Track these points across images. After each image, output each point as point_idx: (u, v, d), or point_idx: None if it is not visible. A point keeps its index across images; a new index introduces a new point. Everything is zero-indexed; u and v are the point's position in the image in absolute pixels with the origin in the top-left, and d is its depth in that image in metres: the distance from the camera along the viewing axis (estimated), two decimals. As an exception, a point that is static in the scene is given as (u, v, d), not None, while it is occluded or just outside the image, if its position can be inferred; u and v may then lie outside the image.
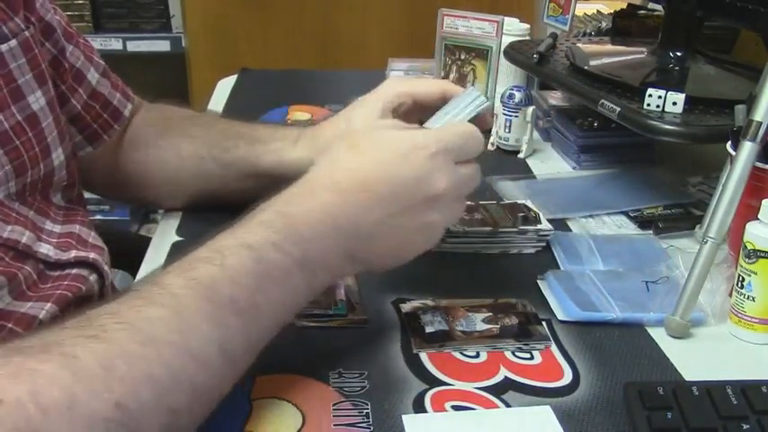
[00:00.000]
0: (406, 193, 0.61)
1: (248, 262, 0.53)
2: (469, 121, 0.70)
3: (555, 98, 1.17)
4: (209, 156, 0.84)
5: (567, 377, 0.62)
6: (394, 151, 0.61)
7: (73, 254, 0.74)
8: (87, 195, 0.86)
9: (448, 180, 0.61)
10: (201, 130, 0.87)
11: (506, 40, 1.12)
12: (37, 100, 0.71)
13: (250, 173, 0.82)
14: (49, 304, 0.68)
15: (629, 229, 0.88)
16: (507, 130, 1.07)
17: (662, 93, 0.86)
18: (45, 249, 0.71)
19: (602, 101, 0.91)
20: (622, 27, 1.29)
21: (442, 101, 0.72)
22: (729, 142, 0.74)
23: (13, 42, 0.69)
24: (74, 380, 0.43)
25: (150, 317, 0.48)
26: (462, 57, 1.06)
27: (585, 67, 1.01)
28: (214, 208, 0.87)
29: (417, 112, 0.75)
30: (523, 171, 1.03)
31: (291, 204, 0.59)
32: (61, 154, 0.75)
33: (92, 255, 0.76)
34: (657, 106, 0.87)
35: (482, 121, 0.72)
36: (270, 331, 0.55)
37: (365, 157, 0.62)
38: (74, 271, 0.73)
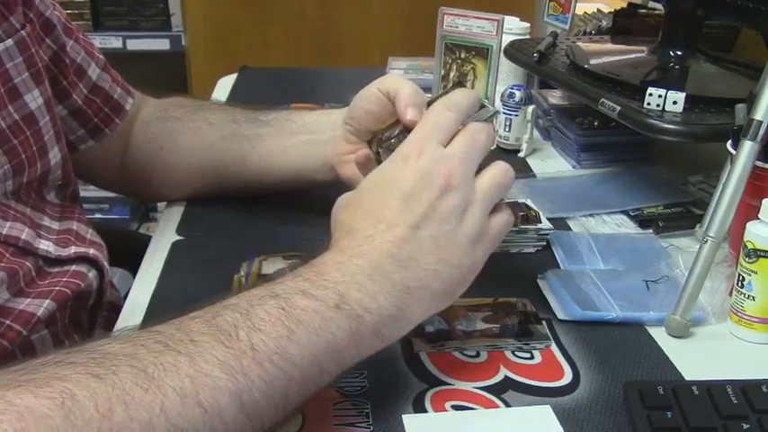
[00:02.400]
0: (416, 198, 0.56)
1: (274, 309, 0.50)
2: None
3: (555, 97, 1.17)
4: (221, 143, 0.84)
5: (567, 377, 0.62)
6: (388, 171, 0.58)
7: (72, 250, 0.74)
8: (86, 194, 0.87)
9: (450, 166, 0.57)
10: (214, 119, 0.87)
11: (506, 39, 1.12)
12: (34, 99, 0.72)
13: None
14: (47, 301, 0.68)
15: (630, 228, 0.88)
16: (507, 129, 1.07)
17: (662, 92, 0.86)
18: (45, 246, 0.71)
19: (603, 100, 0.91)
20: (623, 26, 1.29)
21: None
22: (730, 141, 0.73)
23: (9, 42, 0.69)
24: (64, 423, 0.40)
25: (165, 362, 0.45)
26: (462, 55, 1.06)
27: (586, 66, 1.01)
28: (214, 207, 0.87)
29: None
30: (523, 170, 1.03)
31: (323, 260, 0.55)
32: (58, 153, 0.75)
33: (91, 250, 0.76)
34: (658, 105, 0.87)
35: None
36: (306, 384, 0.50)
37: (363, 198, 0.58)
38: (73, 267, 0.74)
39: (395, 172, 0.57)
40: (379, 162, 0.66)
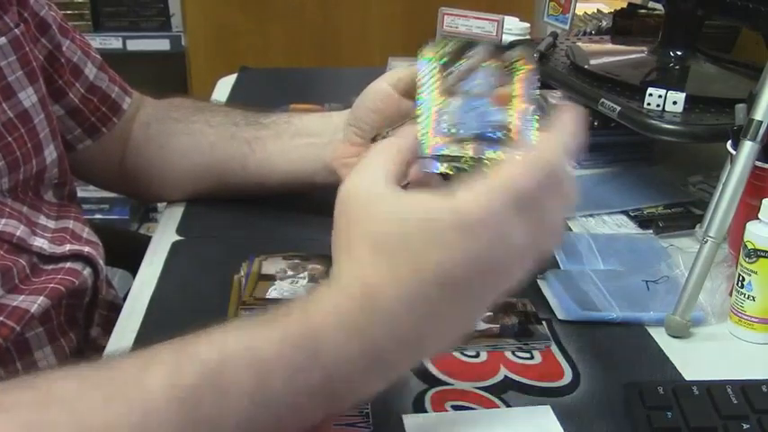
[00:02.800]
0: (452, 282, 0.45)
1: (248, 383, 0.43)
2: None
3: (555, 97, 1.17)
4: (221, 145, 0.84)
5: (567, 377, 0.62)
6: (420, 238, 0.45)
7: (67, 247, 0.74)
8: (87, 194, 0.87)
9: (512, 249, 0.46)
10: (214, 121, 0.87)
11: (506, 40, 1.12)
12: (28, 97, 0.72)
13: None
14: (41, 298, 0.69)
15: (630, 228, 0.88)
16: (507, 129, 1.07)
17: (662, 92, 0.86)
18: (40, 243, 0.71)
19: (603, 100, 0.91)
20: (623, 26, 1.29)
21: None
22: (729, 141, 0.73)
23: (3, 40, 0.70)
24: None
25: (112, 418, 0.40)
26: (462, 56, 1.06)
27: (586, 66, 1.01)
28: (214, 208, 0.87)
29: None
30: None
31: (319, 325, 0.45)
32: (53, 151, 0.76)
33: (86, 248, 0.76)
34: (658, 105, 0.87)
35: None
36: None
37: (394, 258, 0.45)
38: (67, 265, 0.74)
39: (427, 219, 0.45)
40: None
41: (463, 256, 0.44)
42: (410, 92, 0.72)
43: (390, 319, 0.45)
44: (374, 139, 0.68)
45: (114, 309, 0.72)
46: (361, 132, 0.76)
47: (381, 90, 0.74)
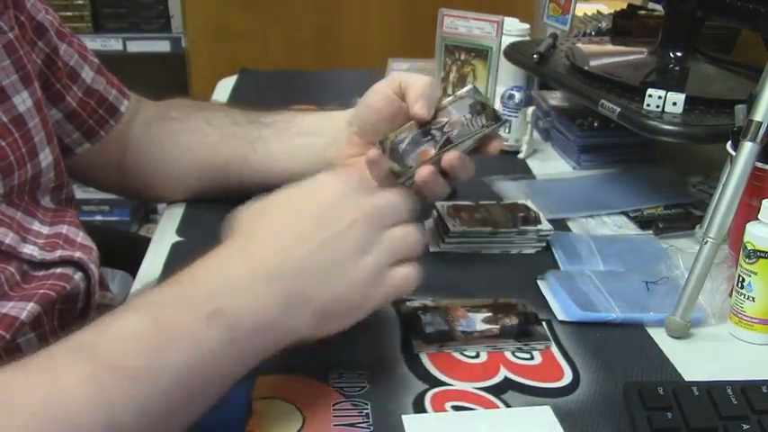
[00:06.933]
0: (326, 220, 0.55)
1: (143, 322, 0.48)
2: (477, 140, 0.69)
3: (555, 98, 1.17)
4: (222, 144, 0.84)
5: (567, 377, 0.62)
6: (309, 186, 0.58)
7: (58, 253, 0.74)
8: (86, 196, 0.87)
9: (368, 206, 0.56)
10: (215, 120, 0.87)
11: (506, 41, 1.12)
12: (23, 101, 0.72)
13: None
14: (31, 304, 0.68)
15: (630, 229, 0.88)
16: (507, 131, 1.07)
17: (662, 93, 0.86)
18: (30, 250, 0.71)
19: (602, 101, 0.91)
20: (622, 27, 1.29)
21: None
22: (729, 142, 0.73)
23: None
24: None
25: (18, 383, 0.44)
26: (462, 57, 1.07)
27: (585, 67, 1.01)
28: (214, 208, 0.87)
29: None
30: (523, 171, 1.03)
31: (203, 260, 0.54)
32: (49, 155, 0.75)
33: (77, 254, 0.75)
34: (657, 106, 0.87)
35: (488, 145, 0.71)
36: (181, 396, 0.48)
37: (275, 205, 0.58)
38: (58, 270, 0.73)
39: (316, 188, 0.57)
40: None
41: (306, 215, 0.55)
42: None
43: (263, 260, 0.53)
44: (381, 143, 0.69)
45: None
46: (362, 133, 0.76)
47: (383, 92, 0.74)
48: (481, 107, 0.70)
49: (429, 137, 0.69)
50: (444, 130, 0.69)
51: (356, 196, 0.56)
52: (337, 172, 0.60)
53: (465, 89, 0.71)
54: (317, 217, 0.55)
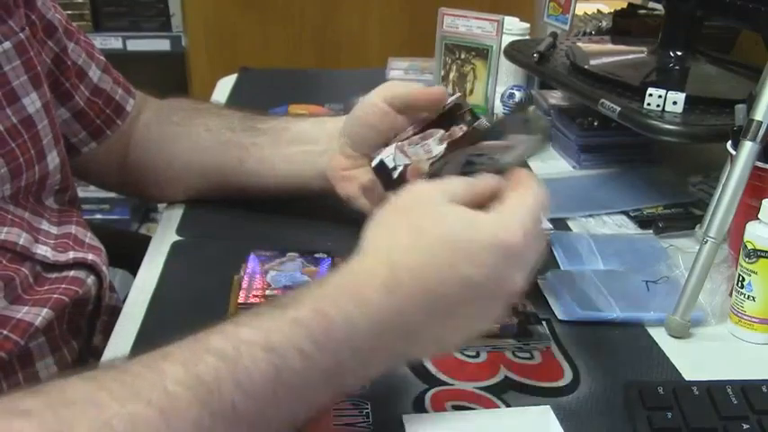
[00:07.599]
0: (465, 299, 0.50)
1: (266, 367, 0.45)
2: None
3: (555, 97, 1.17)
4: (218, 150, 0.84)
5: (567, 377, 0.62)
6: (463, 250, 0.50)
7: (71, 255, 0.74)
8: (87, 195, 0.87)
9: (510, 295, 0.52)
10: (213, 125, 0.87)
11: (506, 40, 1.12)
12: (32, 102, 0.71)
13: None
14: (45, 309, 0.68)
15: (630, 228, 0.88)
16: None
17: (662, 92, 0.86)
18: (43, 251, 0.71)
19: (603, 100, 0.91)
20: (622, 26, 1.29)
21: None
22: (730, 142, 0.73)
23: (8, 44, 0.69)
24: None
25: (132, 413, 0.41)
26: (462, 56, 1.07)
27: (586, 67, 1.01)
28: (214, 208, 0.87)
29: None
30: (523, 171, 1.03)
31: (333, 303, 0.48)
32: (56, 157, 0.75)
33: (90, 256, 0.75)
34: (658, 106, 0.87)
35: None
36: None
37: (431, 254, 0.50)
38: (71, 273, 0.73)
39: (482, 249, 0.50)
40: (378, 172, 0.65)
41: (488, 272, 0.50)
42: (405, 109, 0.71)
43: (404, 306, 0.49)
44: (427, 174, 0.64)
45: (116, 313, 0.71)
46: (354, 145, 0.75)
47: (375, 106, 0.72)
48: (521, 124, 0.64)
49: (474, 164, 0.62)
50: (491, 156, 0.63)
51: (513, 274, 0.50)
52: (502, 222, 0.51)
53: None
54: (468, 288, 0.49)
